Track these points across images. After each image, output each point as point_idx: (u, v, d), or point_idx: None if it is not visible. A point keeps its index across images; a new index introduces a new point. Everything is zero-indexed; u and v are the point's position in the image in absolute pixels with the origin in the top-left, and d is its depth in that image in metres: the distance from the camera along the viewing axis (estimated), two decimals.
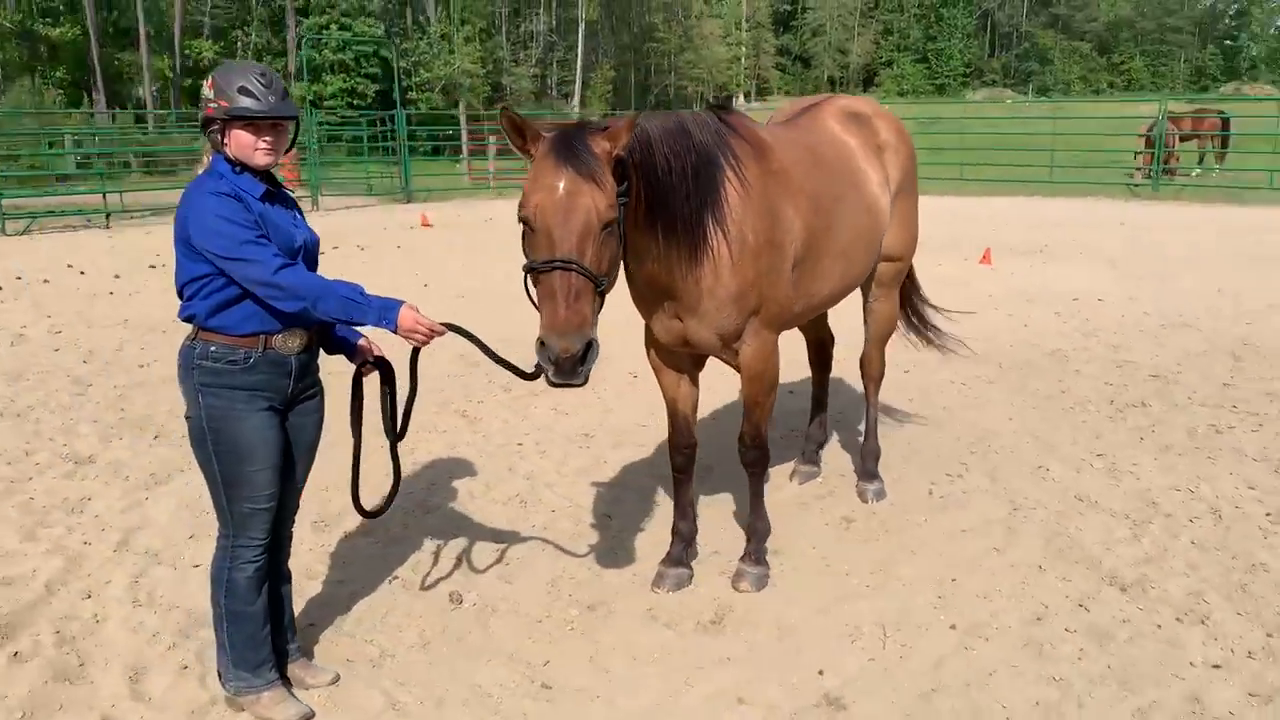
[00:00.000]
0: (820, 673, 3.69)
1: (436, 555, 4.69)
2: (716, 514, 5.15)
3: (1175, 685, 3.57)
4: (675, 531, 4.44)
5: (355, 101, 46.92)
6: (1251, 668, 3.68)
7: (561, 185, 3.16)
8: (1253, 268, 12.37)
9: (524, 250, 3.30)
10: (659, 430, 6.47)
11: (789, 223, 3.99)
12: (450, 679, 3.69)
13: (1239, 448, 6.00)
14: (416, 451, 5.91)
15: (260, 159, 3.19)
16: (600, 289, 3.24)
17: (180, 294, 3.29)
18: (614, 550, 4.73)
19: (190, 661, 3.79)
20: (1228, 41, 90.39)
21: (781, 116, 5.09)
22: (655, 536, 4.85)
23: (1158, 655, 3.77)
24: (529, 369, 3.46)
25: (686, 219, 3.62)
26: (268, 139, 3.18)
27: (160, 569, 4.54)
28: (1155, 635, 3.91)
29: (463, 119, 40.67)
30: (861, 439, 5.63)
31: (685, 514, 4.45)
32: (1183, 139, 24.78)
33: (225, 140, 3.18)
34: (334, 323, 3.26)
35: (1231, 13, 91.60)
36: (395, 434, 3.63)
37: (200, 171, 3.31)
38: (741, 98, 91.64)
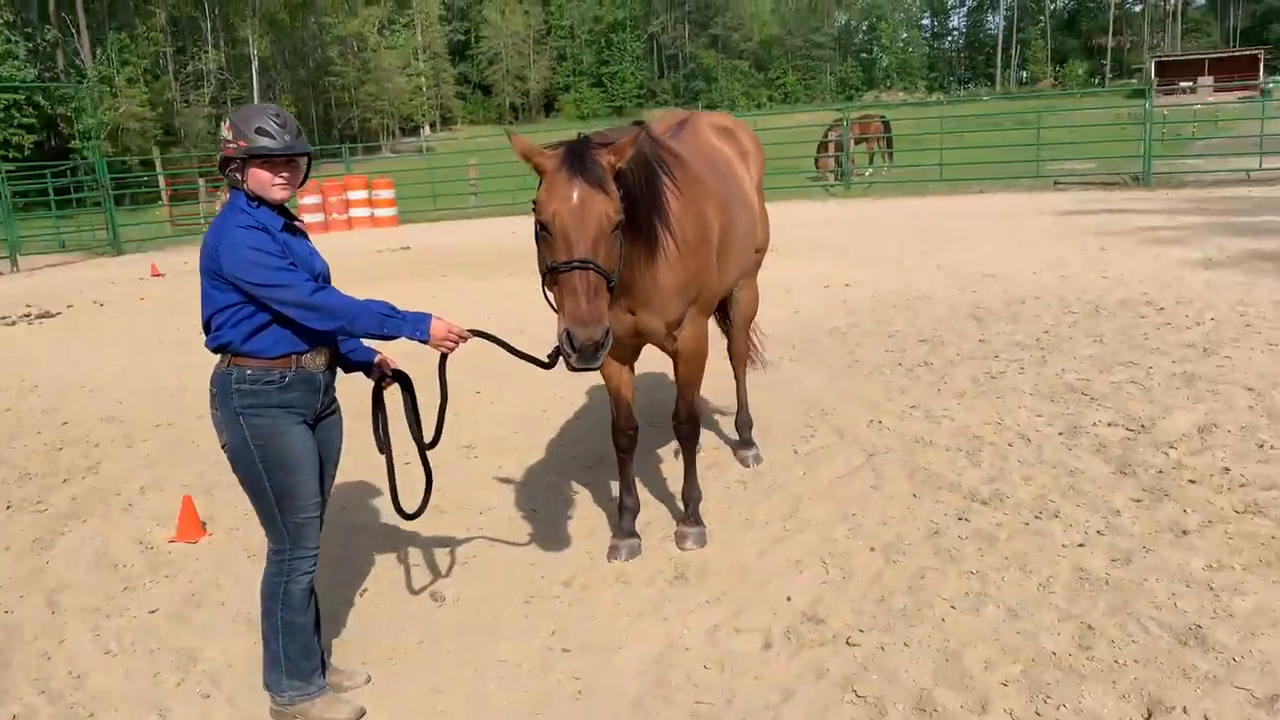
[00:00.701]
0: (789, 599, 4.29)
1: (402, 562, 4.92)
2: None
3: (1060, 563, 4.46)
4: (623, 506, 4.90)
5: (10, 154, 42.96)
6: (1105, 541, 4.64)
7: (575, 195, 3.58)
8: (953, 245, 14.28)
9: (541, 253, 3.69)
10: (530, 437, 6.88)
11: (711, 221, 4.59)
12: (475, 659, 3.98)
13: (1016, 388, 7.20)
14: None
15: (277, 194, 3.40)
16: (610, 284, 3.69)
17: (208, 326, 3.41)
18: (554, 538, 5.11)
19: (209, 689, 3.84)
20: (864, 55, 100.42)
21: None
22: (583, 523, 5.29)
23: (1036, 544, 4.66)
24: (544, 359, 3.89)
25: (643, 223, 4.12)
26: (284, 175, 3.40)
27: (112, 620, 4.45)
28: (1027, 530, 4.82)
29: (158, 163, 38.26)
30: (732, 415, 6.32)
31: (630, 490, 4.92)
32: (855, 142, 27.79)
33: (244, 178, 3.36)
34: (363, 338, 3.50)
35: (864, 29, 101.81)
36: (422, 441, 3.88)
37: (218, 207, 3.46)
38: (427, 128, 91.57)
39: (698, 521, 4.94)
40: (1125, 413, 6.40)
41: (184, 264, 19.16)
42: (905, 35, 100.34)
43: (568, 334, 3.55)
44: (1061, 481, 5.37)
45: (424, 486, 4.03)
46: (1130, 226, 15.16)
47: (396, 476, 3.97)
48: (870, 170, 27.91)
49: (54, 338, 12.09)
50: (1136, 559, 4.41)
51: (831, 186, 25.27)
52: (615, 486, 5.75)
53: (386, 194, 24.45)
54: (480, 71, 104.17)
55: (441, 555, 4.98)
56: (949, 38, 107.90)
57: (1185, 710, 3.30)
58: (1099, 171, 23.41)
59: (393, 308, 3.44)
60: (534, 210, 3.73)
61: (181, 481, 6.38)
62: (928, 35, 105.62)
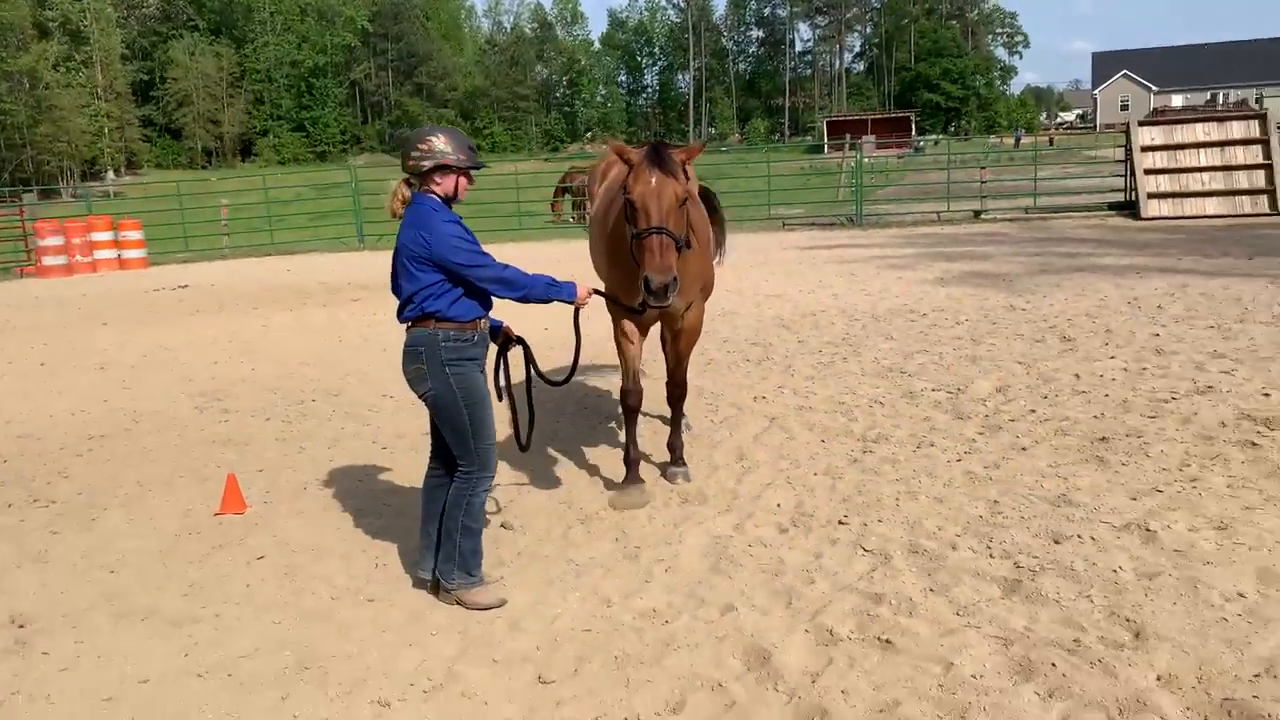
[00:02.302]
0: (778, 505, 5.69)
1: None
2: (604, 454, 6.86)
3: (953, 468, 6.13)
4: (629, 459, 6.09)
5: None
6: (975, 457, 6.37)
7: (654, 180, 4.86)
8: (727, 274, 16.29)
9: (629, 221, 4.95)
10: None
11: (708, 226, 5.97)
12: (567, 560, 5.09)
13: (849, 371, 9.00)
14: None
15: (463, 196, 4.48)
16: (679, 246, 4.96)
17: (409, 300, 4.40)
18: (577, 483, 6.25)
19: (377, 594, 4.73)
20: (566, 108, 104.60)
21: (605, 165, 6.95)
22: (591, 469, 6.47)
23: (929, 462, 6.32)
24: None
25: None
26: (468, 183, 4.48)
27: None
28: (918, 454, 6.48)
29: None
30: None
31: (635, 444, 6.13)
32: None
33: (439, 181, 4.39)
34: (534, 302, 4.60)
35: (565, 83, 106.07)
36: (552, 382, 4.98)
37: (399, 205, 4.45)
38: (112, 173, 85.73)
39: (683, 463, 6.24)
40: (939, 383, 8.33)
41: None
42: (605, 90, 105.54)
43: (646, 280, 4.80)
44: (923, 425, 7.14)
45: (528, 427, 5.10)
46: (864, 257, 17.89)
47: (516, 417, 5.03)
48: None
49: None
50: (1002, 465, 6.18)
51: (571, 226, 27.22)
52: (592, 448, 6.97)
53: (135, 235, 23.65)
54: (168, 114, 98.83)
55: (498, 495, 6.00)
56: (644, 94, 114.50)
57: (1079, 537, 5.00)
58: (815, 215, 26.68)
59: (553, 279, 4.58)
60: (623, 191, 4.98)
61: None
62: (625, 91, 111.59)
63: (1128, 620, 4.11)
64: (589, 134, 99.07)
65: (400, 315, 4.49)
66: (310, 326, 13.13)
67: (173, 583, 5.06)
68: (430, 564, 4.69)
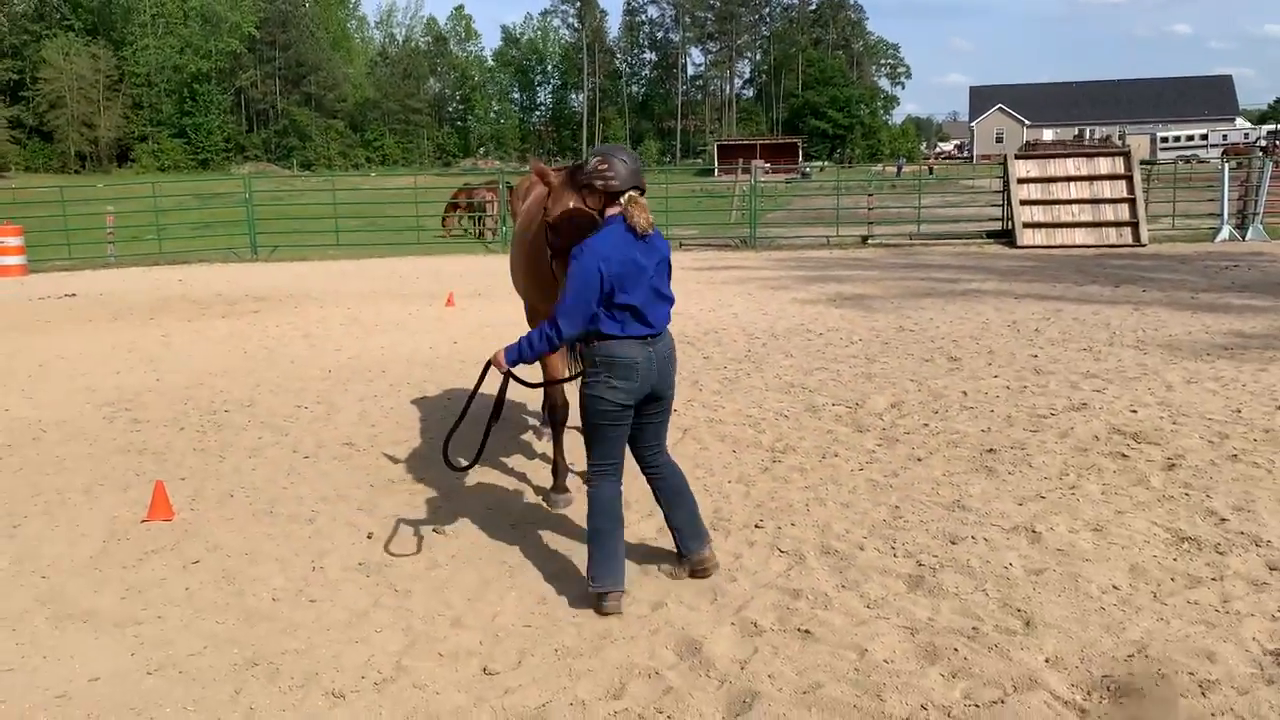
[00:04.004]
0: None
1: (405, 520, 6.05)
2: (526, 463, 7.11)
3: (856, 477, 6.58)
4: (558, 469, 6.35)
5: None
6: (876, 465, 6.83)
7: (571, 204, 5.13)
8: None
9: (548, 243, 5.23)
10: (368, 444, 8.04)
11: None
12: (505, 559, 5.34)
13: (754, 385, 9.43)
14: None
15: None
16: None
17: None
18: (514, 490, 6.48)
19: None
20: (459, 123, 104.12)
21: (527, 185, 7.21)
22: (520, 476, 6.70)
23: (834, 471, 6.75)
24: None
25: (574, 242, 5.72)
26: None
27: None
28: (823, 464, 6.90)
29: None
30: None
31: (562, 453, 6.39)
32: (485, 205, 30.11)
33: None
34: None
35: (458, 98, 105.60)
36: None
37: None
38: None
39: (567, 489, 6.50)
40: (839, 398, 8.82)
41: None
42: (498, 107, 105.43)
43: None
44: (826, 437, 7.59)
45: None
46: (760, 278, 18.50)
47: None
48: (505, 229, 30.28)
49: None
50: (901, 474, 6.66)
51: (490, 243, 27.28)
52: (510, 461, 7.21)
53: (14, 241, 22.80)
54: (39, 115, 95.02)
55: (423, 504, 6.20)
56: (538, 111, 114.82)
57: (973, 538, 5.47)
58: (710, 235, 27.33)
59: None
60: (543, 213, 5.25)
61: None
62: (518, 108, 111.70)
63: (1019, 610, 4.57)
64: (481, 149, 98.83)
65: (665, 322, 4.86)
66: (212, 337, 13.00)
67: (109, 587, 5.13)
68: None
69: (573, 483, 6.42)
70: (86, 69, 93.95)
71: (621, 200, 4.70)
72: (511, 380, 4.95)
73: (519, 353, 4.73)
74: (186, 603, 4.93)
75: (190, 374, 10.54)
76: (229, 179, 56.51)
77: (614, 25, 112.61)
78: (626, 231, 4.65)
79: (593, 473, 4.86)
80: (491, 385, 5.09)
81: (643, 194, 4.77)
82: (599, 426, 4.75)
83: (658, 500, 5.11)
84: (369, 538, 5.75)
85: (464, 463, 5.31)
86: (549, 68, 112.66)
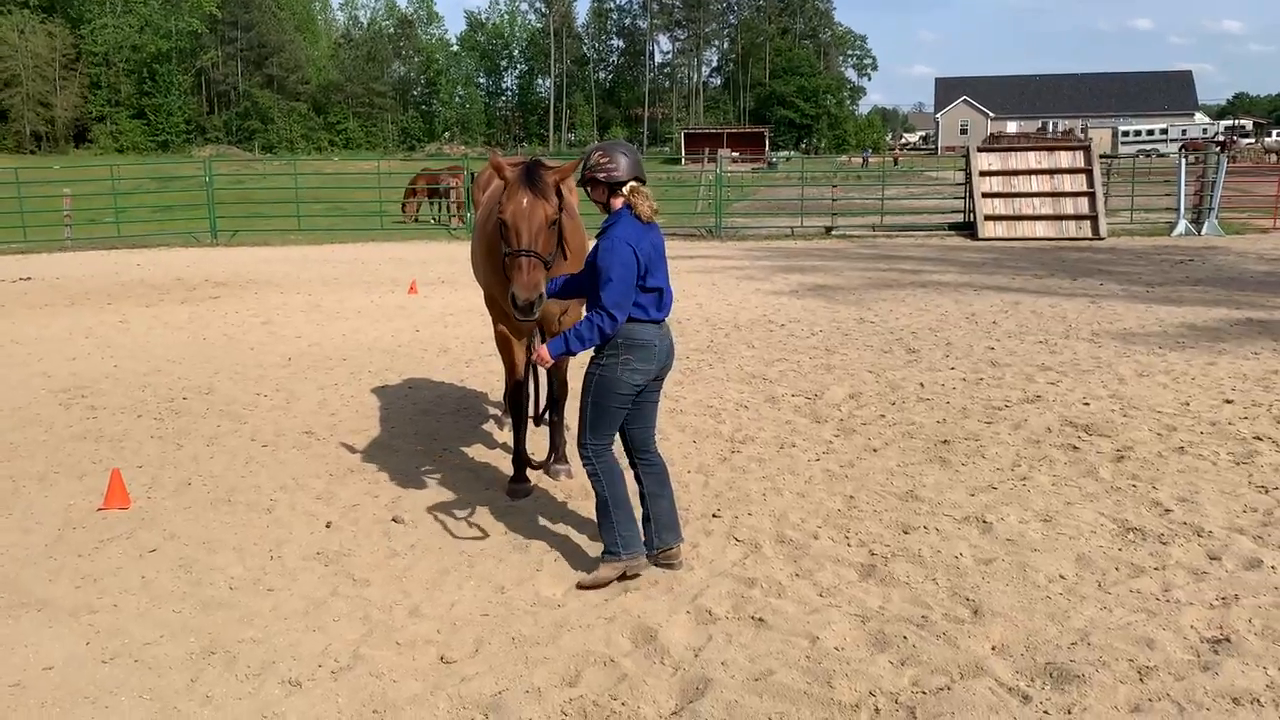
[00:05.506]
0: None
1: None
2: (484, 452, 7.13)
3: (813, 467, 6.67)
4: (520, 459, 6.37)
5: None
6: (832, 457, 6.92)
7: (525, 201, 5.12)
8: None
9: (502, 238, 5.17)
10: (327, 433, 8.03)
11: (582, 236, 6.29)
12: (464, 549, 5.37)
13: (716, 376, 9.51)
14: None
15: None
16: (546, 265, 5.19)
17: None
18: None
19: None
20: (424, 107, 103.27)
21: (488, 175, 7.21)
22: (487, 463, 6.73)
23: (791, 461, 6.83)
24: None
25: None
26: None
27: None
28: (781, 454, 6.98)
29: None
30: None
31: (522, 443, 6.41)
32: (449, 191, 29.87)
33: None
34: None
35: (423, 82, 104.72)
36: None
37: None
38: None
39: (566, 460, 6.57)
40: (798, 389, 8.91)
41: None
42: (463, 91, 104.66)
43: (513, 295, 5.05)
44: (785, 428, 7.68)
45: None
46: (724, 268, 18.58)
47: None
48: (470, 215, 30.14)
49: None
50: (856, 464, 6.76)
51: (455, 230, 27.12)
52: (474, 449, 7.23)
53: None
54: None
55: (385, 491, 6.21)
56: (503, 97, 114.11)
57: (925, 528, 5.58)
58: (677, 225, 27.37)
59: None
60: (498, 208, 5.21)
61: None
62: (484, 94, 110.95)
63: (967, 599, 4.67)
64: (446, 134, 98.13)
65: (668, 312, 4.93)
66: (171, 323, 12.88)
67: (64, 575, 5.11)
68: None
69: (532, 474, 6.46)
70: (43, 47, 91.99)
71: (624, 190, 4.82)
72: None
73: (565, 345, 4.80)
74: (143, 591, 4.93)
75: (148, 360, 10.45)
76: (189, 161, 55.95)
77: (581, 11, 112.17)
78: (635, 219, 4.77)
79: (595, 451, 4.97)
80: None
81: (644, 184, 4.90)
82: (608, 408, 4.88)
83: (641, 490, 5.16)
84: (327, 527, 5.76)
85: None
86: (515, 53, 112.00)
